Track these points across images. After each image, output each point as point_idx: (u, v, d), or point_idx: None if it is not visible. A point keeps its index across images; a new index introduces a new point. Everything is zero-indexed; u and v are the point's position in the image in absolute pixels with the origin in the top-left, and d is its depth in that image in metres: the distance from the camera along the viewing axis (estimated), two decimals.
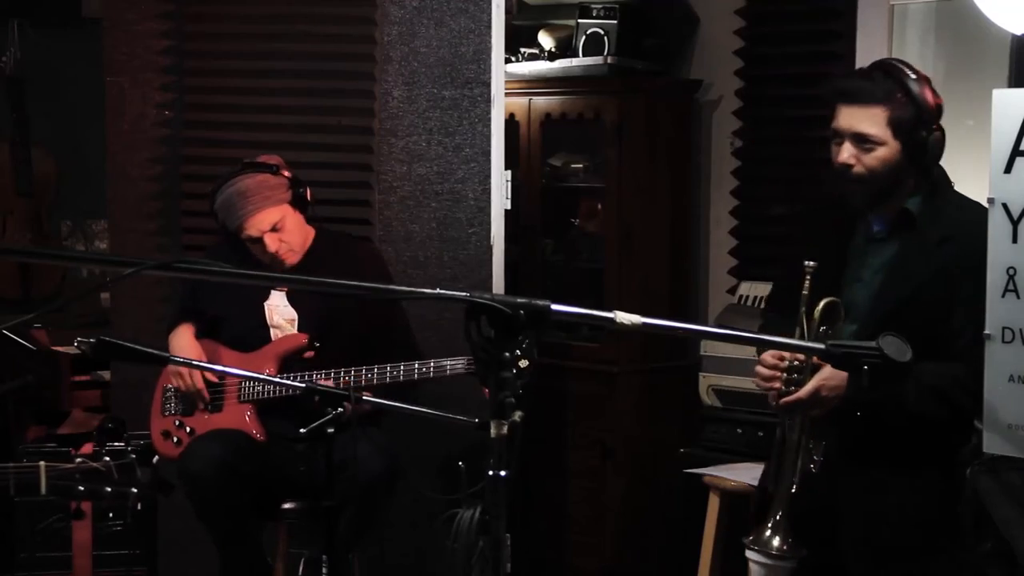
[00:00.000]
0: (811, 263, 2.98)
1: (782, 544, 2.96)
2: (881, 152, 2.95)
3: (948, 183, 3.09)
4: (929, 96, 2.99)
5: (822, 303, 2.96)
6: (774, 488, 3.00)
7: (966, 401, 2.92)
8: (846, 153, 2.96)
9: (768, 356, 3.01)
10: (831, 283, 3.03)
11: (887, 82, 2.96)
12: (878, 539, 3.01)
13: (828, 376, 2.93)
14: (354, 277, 3.99)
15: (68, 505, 2.73)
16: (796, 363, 2.98)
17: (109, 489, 2.51)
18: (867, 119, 2.94)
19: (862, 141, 2.95)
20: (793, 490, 2.97)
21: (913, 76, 2.98)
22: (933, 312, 2.94)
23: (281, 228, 3.69)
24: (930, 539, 3.02)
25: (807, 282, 2.97)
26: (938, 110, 3.01)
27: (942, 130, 3.02)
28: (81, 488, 2.52)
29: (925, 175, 3.02)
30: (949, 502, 3.01)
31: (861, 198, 3.01)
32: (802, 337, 2.98)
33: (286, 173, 3.74)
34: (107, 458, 2.52)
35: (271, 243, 3.68)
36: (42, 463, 2.51)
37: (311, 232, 3.83)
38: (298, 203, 3.74)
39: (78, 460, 2.52)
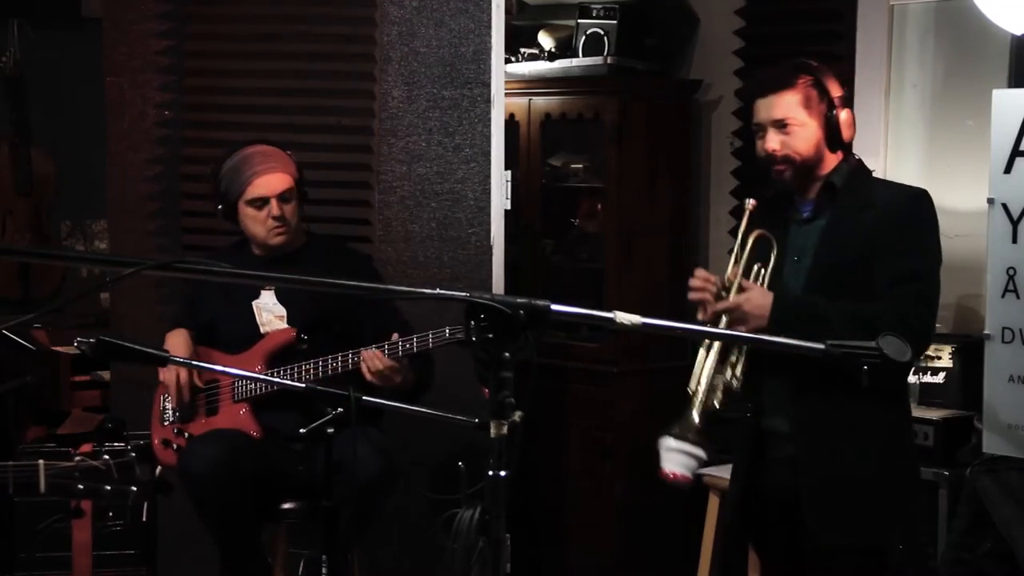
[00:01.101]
0: (751, 200, 3.12)
1: (698, 429, 3.01)
2: (801, 132, 3.09)
3: (869, 171, 3.22)
4: (832, 81, 3.13)
5: (753, 234, 3.09)
6: (694, 389, 3.05)
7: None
8: (771, 142, 3.10)
9: (699, 271, 3.14)
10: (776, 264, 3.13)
11: (792, 70, 3.13)
12: (836, 479, 3.06)
13: (753, 295, 3.05)
14: (348, 278, 3.97)
15: (68, 504, 2.72)
16: (728, 283, 3.10)
17: (108, 487, 2.51)
18: (781, 105, 3.09)
19: (781, 126, 3.09)
20: (718, 405, 3.04)
21: (815, 64, 3.16)
22: (860, 276, 3.05)
23: (288, 200, 3.71)
24: (884, 474, 3.08)
25: (745, 217, 3.11)
26: (843, 97, 3.15)
27: (851, 112, 3.14)
28: (80, 486, 2.52)
29: (845, 155, 3.16)
30: (901, 432, 3.15)
31: (790, 178, 3.13)
32: (735, 270, 3.08)
33: (294, 160, 3.79)
34: (106, 456, 2.51)
35: (276, 207, 3.68)
36: (41, 461, 2.51)
37: (303, 228, 3.83)
38: (301, 191, 3.76)
39: (77, 458, 2.51)
